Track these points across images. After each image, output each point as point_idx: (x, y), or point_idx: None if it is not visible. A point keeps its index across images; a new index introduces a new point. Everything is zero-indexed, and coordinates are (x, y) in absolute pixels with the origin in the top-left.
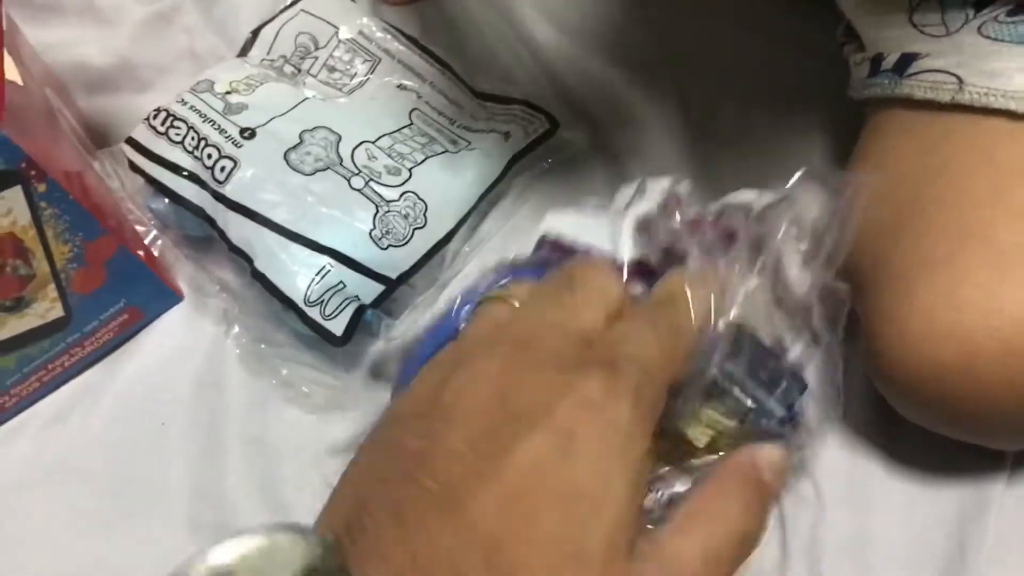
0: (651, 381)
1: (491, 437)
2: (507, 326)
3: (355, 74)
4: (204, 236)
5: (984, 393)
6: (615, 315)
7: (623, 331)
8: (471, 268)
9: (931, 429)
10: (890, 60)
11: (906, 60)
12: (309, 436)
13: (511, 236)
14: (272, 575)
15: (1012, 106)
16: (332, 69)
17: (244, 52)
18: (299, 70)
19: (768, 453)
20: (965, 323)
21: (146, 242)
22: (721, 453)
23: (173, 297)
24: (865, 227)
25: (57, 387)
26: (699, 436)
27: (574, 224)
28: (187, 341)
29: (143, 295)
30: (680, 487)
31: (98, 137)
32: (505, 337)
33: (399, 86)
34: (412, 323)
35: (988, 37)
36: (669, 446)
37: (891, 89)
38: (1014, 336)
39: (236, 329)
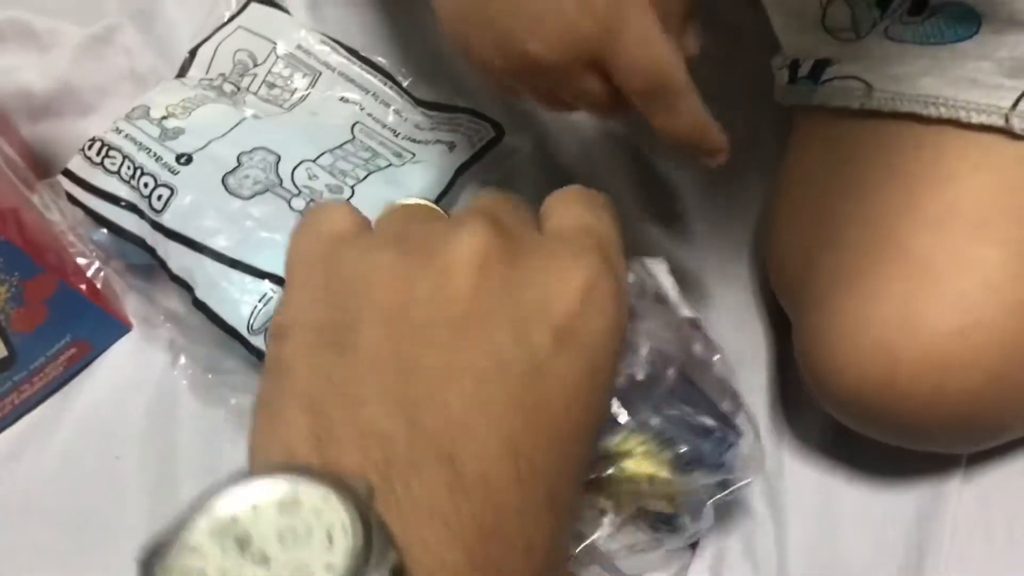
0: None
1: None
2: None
3: (295, 89)
4: (148, 264)
5: (912, 405)
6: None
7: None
8: None
9: (869, 436)
10: (805, 67)
11: (820, 67)
12: None
13: None
14: (307, 559)
15: (918, 109)
16: (272, 85)
17: (183, 72)
18: (238, 88)
19: None
20: (886, 338)
21: (89, 274)
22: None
23: (121, 327)
24: (790, 240)
25: (8, 425)
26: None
27: None
28: (138, 372)
29: (89, 328)
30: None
31: (43, 165)
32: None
33: (341, 99)
34: None
35: (893, 39)
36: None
37: (807, 97)
38: (933, 347)
39: (183, 359)
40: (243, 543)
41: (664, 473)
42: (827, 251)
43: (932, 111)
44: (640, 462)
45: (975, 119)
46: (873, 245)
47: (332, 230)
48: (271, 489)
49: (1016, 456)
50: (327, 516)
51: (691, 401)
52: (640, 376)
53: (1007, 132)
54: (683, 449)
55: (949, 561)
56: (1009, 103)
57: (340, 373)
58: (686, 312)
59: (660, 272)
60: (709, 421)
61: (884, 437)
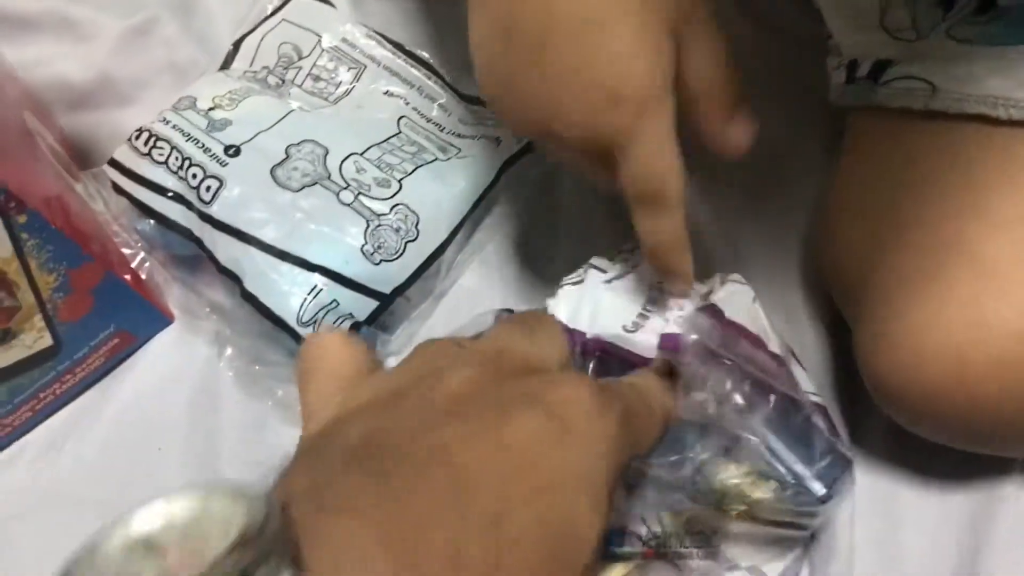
0: (634, 419)
1: (481, 408)
2: (473, 345)
3: (340, 82)
4: (193, 256)
5: (977, 408)
6: (566, 366)
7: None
8: (468, 279)
9: (932, 440)
10: (864, 67)
11: (880, 67)
12: None
13: (506, 244)
14: (202, 548)
15: (985, 111)
16: (317, 78)
17: (226, 64)
18: (283, 81)
19: None
20: (953, 340)
21: (133, 265)
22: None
23: (164, 319)
24: (850, 242)
25: (50, 415)
26: (733, 506)
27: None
28: (180, 363)
29: (133, 319)
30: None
31: (82, 156)
32: (474, 353)
33: (386, 93)
34: (408, 337)
35: (957, 40)
36: (699, 513)
37: (867, 97)
38: (1003, 351)
39: (229, 351)
40: (149, 546)
41: (766, 496)
42: (890, 252)
43: (1001, 112)
44: (747, 489)
45: None
46: (940, 247)
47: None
48: (184, 504)
49: None
50: (234, 521)
51: (786, 435)
52: (740, 400)
53: None
54: (785, 477)
55: (1003, 564)
56: None
57: None
58: (775, 347)
59: (746, 299)
60: (799, 467)
61: (950, 441)
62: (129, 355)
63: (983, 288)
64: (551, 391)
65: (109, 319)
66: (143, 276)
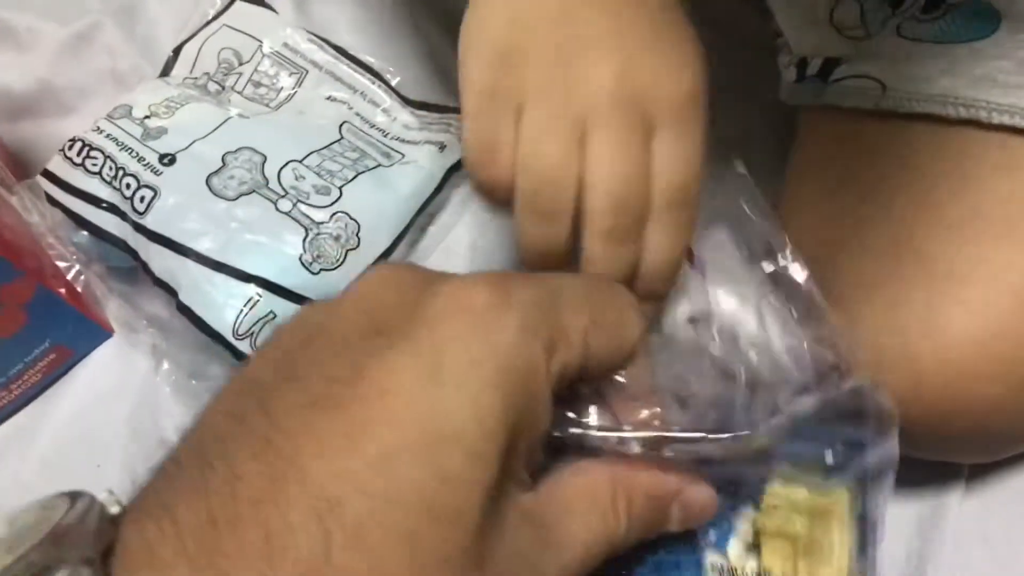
0: (556, 306)
1: (342, 358)
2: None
3: (281, 88)
4: (130, 268)
5: (934, 414)
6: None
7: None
8: None
9: None
10: (814, 65)
11: (830, 65)
12: None
13: (451, 251)
14: (25, 537)
15: (936, 110)
16: (258, 84)
17: (166, 71)
18: (223, 87)
19: (703, 497)
20: (909, 346)
21: (69, 278)
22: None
23: (102, 333)
24: (803, 242)
25: None
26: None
27: None
28: (119, 378)
29: (69, 333)
30: None
31: (23, 167)
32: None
33: (328, 98)
34: None
35: (907, 38)
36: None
37: (817, 96)
38: (959, 357)
39: (166, 365)
40: None
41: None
42: (844, 254)
43: (951, 111)
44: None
45: (996, 119)
46: (894, 250)
47: None
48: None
49: (1018, 468)
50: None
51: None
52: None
53: None
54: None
55: (950, 571)
56: None
57: None
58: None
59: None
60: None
61: (904, 447)
62: (68, 370)
63: (937, 293)
64: (420, 317)
65: (44, 334)
66: (79, 289)
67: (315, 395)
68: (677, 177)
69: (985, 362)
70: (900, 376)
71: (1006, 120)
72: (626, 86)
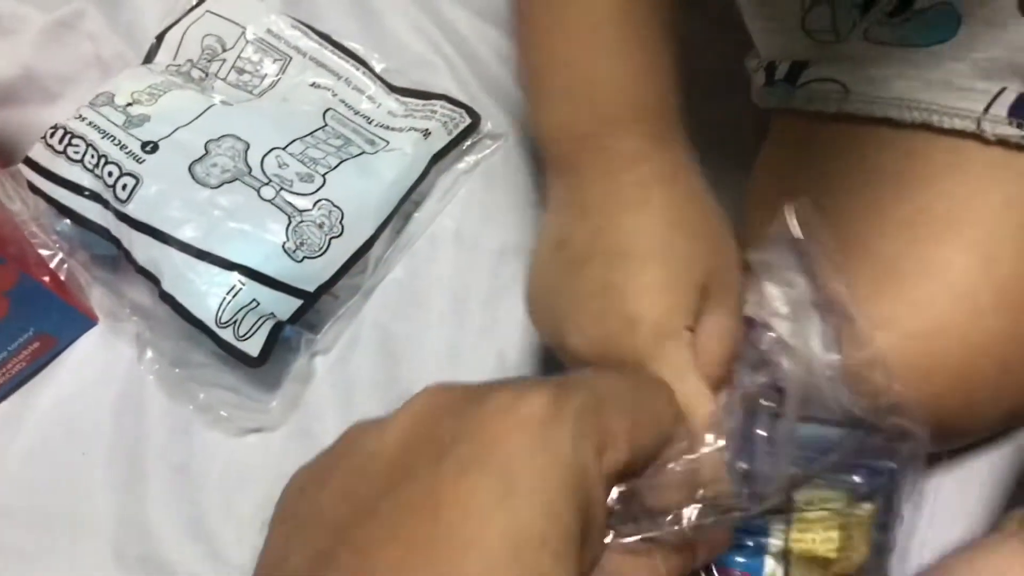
0: (602, 411)
1: (416, 486)
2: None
3: (265, 75)
4: (114, 256)
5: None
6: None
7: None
8: (397, 275)
9: None
10: (782, 69)
11: (796, 69)
12: (232, 460)
13: (437, 239)
14: None
15: (893, 114)
16: (241, 71)
17: (149, 58)
18: (206, 74)
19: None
20: None
21: (52, 266)
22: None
23: (87, 321)
24: (760, 240)
25: None
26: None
27: None
28: (104, 367)
29: (53, 322)
30: None
31: (6, 154)
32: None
33: (312, 85)
34: (336, 335)
35: (872, 41)
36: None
37: (784, 100)
38: (901, 352)
39: (149, 353)
40: None
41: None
42: None
43: (906, 115)
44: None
45: (947, 124)
46: (843, 248)
47: None
48: None
49: (994, 443)
50: None
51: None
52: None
53: (980, 137)
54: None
55: (933, 547)
56: (981, 107)
57: None
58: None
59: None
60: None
61: None
62: (52, 359)
63: (880, 288)
64: (482, 436)
65: (27, 322)
66: (63, 278)
67: (400, 528)
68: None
69: (924, 356)
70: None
71: (957, 124)
72: None
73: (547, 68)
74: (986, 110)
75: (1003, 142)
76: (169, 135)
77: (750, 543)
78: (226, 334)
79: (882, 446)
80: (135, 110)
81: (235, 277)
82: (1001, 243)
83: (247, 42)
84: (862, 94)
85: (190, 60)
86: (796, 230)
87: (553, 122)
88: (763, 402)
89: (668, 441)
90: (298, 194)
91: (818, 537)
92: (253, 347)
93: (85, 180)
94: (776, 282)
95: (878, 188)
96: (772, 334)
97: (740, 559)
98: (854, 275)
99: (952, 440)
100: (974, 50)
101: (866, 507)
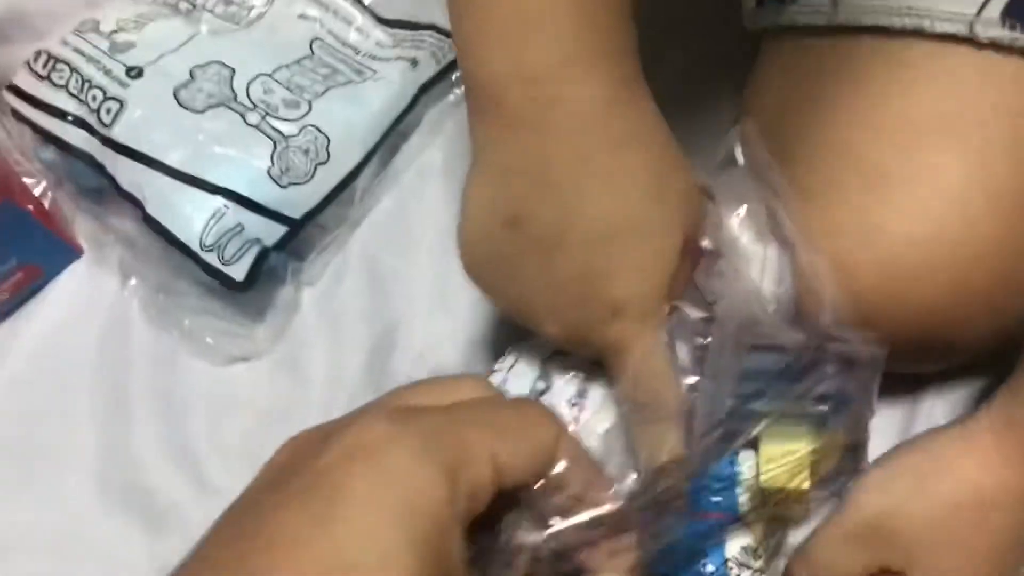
0: (456, 429)
1: (248, 517)
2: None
3: (252, 6)
4: (99, 187)
5: (871, 316)
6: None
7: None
8: (384, 207)
9: None
10: None
11: None
12: (217, 388)
13: (425, 171)
14: None
15: (883, 21)
16: (228, 2)
17: None
18: (194, 6)
19: None
20: (844, 249)
21: (36, 194)
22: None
23: (72, 252)
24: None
25: None
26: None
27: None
28: (89, 297)
29: (37, 251)
30: None
31: None
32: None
33: (300, 16)
34: (323, 266)
35: None
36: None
37: (775, 18)
38: (892, 257)
39: (133, 280)
40: None
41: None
42: (791, 166)
43: (896, 21)
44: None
45: (939, 28)
46: (832, 158)
47: None
48: None
49: (983, 373)
50: None
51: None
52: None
53: (972, 41)
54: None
55: None
56: (974, 9)
57: None
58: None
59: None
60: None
61: None
62: (37, 290)
63: (873, 196)
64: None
65: (11, 252)
66: (47, 207)
67: (226, 555)
68: None
69: (920, 262)
70: (836, 277)
71: (948, 28)
72: None
73: None
74: (978, 13)
75: (995, 45)
76: (154, 61)
77: (721, 484)
78: (210, 258)
79: (836, 369)
80: (120, 37)
81: (219, 201)
82: (994, 149)
83: None
84: (851, 4)
85: None
86: (739, 155)
87: (495, 62)
88: (700, 339)
89: (550, 456)
90: (284, 119)
91: (790, 476)
92: (238, 272)
93: (70, 106)
94: (729, 209)
95: (868, 97)
96: (720, 262)
97: (715, 499)
98: (844, 184)
99: (944, 357)
100: None
101: (833, 432)
